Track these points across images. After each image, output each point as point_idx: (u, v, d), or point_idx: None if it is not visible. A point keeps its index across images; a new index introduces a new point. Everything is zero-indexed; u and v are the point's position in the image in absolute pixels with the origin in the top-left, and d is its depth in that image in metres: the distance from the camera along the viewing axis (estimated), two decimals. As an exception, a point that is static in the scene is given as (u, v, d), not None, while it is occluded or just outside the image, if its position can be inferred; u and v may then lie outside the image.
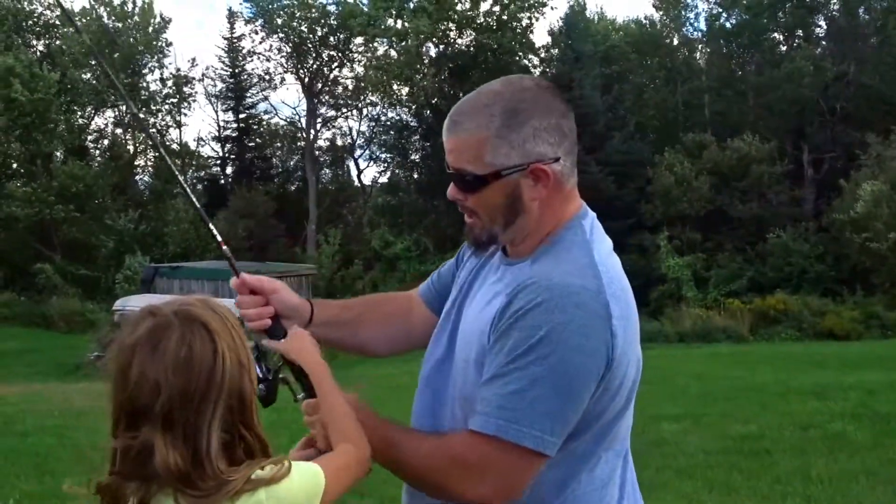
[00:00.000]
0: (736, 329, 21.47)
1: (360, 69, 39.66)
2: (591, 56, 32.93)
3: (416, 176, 37.59)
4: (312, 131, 41.33)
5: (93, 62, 34.71)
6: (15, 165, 33.63)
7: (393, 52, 36.52)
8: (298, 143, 42.52)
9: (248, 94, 41.26)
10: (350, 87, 41.09)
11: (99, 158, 38.19)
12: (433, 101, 34.84)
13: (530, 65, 36.86)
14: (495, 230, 1.72)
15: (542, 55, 38.11)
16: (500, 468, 1.58)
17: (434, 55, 36.14)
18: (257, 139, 42.18)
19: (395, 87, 36.73)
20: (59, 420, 11.12)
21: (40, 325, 26.15)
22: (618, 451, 1.79)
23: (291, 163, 43.73)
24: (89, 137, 39.20)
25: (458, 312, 1.85)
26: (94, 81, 35.80)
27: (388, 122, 39.16)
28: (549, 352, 1.53)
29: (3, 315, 27.34)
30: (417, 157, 37.90)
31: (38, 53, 36.31)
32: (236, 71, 40.49)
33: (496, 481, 1.58)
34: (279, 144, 43.39)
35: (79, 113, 37.37)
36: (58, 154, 34.35)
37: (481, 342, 1.67)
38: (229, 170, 42.56)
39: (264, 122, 42.46)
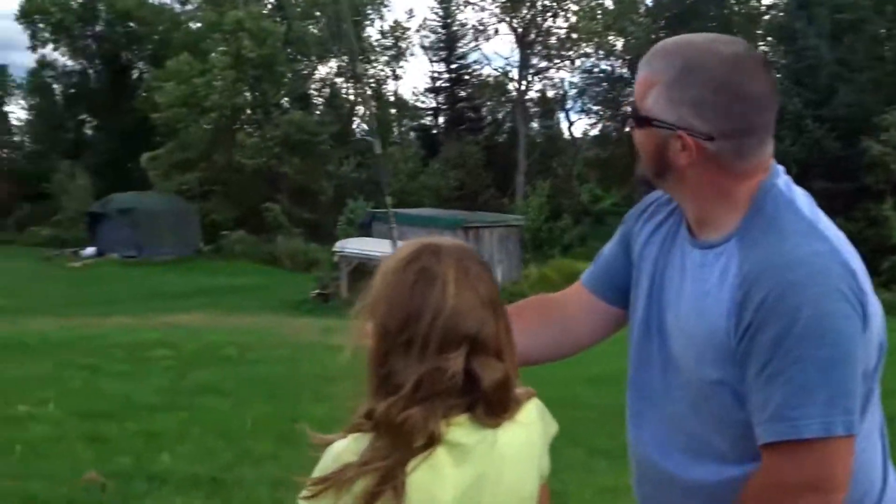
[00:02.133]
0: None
1: (573, 19, 39.09)
2: (821, 3, 30.61)
3: (627, 129, 36.75)
4: (524, 82, 41.36)
5: (317, 14, 36.30)
6: (248, 112, 35.96)
7: (608, 2, 35.67)
8: (508, 94, 42.69)
9: (460, 45, 41.84)
10: (563, 37, 40.64)
11: (321, 108, 40.10)
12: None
13: (756, 12, 34.81)
14: (648, 174, 1.69)
15: (768, 1, 35.84)
16: (824, 468, 1.45)
17: (650, 4, 34.97)
18: (468, 90, 42.74)
19: (609, 37, 35.93)
20: (287, 351, 11.98)
21: (268, 262, 28.10)
22: (877, 420, 1.64)
23: (500, 114, 44.04)
24: (312, 87, 41.22)
25: (658, 309, 1.72)
26: (319, 33, 37.53)
27: (601, 74, 38.46)
28: (816, 331, 1.43)
29: (235, 252, 29.60)
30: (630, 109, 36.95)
31: (269, 6, 38.48)
32: (448, 21, 41.09)
33: (825, 483, 1.45)
34: (489, 95, 43.75)
35: (304, 62, 39.34)
36: (283, 102, 36.43)
37: (713, 342, 1.54)
38: (441, 120, 43.51)
39: (476, 73, 42.96)
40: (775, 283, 1.46)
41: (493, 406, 1.35)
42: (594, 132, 40.71)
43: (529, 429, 1.43)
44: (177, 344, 12.40)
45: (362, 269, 19.68)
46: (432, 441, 1.30)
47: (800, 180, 1.75)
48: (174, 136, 34.13)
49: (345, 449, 1.35)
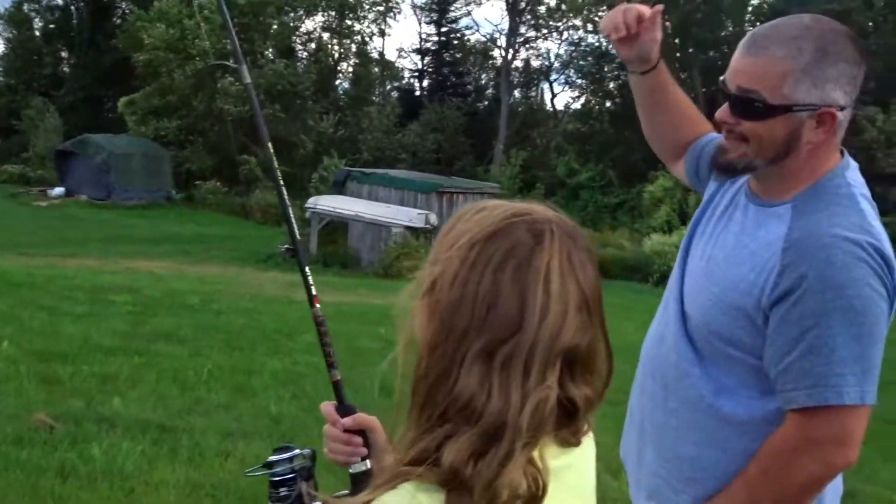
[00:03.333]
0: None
1: (564, -10, 38.81)
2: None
3: (609, 105, 36.78)
4: (511, 51, 41.13)
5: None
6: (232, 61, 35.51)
7: (599, -25, 35.42)
8: (493, 62, 42.45)
9: (452, 8, 41.47)
10: (553, 6, 40.38)
11: (304, 62, 39.69)
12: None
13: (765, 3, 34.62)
14: (757, 163, 1.69)
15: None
16: (851, 429, 1.60)
17: (643, -20, 34.75)
18: (455, 54, 42.45)
19: (598, 11, 35.75)
20: (250, 304, 11.96)
21: (239, 214, 27.95)
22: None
23: (483, 80, 43.82)
24: (297, 40, 40.75)
25: (686, 251, 1.88)
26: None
27: (588, 48, 38.31)
28: (860, 310, 1.56)
29: (207, 202, 29.39)
30: (613, 86, 36.99)
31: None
32: (442, -18, 40.71)
33: (848, 440, 1.61)
34: (474, 61, 43.48)
35: (291, 14, 38.84)
36: (268, 53, 35.99)
37: (736, 291, 1.67)
38: (426, 83, 43.23)
39: (464, 38, 42.65)
40: (821, 259, 1.57)
41: (580, 425, 1.05)
42: (576, 106, 40.69)
43: (590, 436, 1.14)
44: (139, 289, 12.33)
45: (333, 226, 19.64)
46: (536, 498, 0.96)
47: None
48: (154, 80, 33.62)
49: None
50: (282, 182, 1.57)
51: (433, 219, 19.08)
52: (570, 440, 1.04)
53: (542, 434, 0.97)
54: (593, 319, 1.01)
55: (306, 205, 20.66)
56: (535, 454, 0.97)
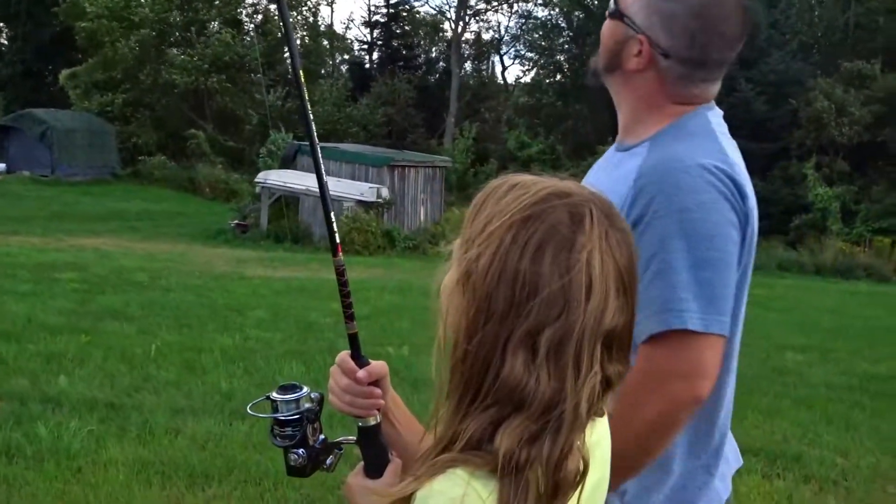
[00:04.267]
0: (879, 268, 20.47)
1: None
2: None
3: (559, 78, 36.86)
4: (461, 23, 40.91)
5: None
6: (177, 34, 34.77)
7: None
8: (443, 34, 42.21)
9: (402, -21, 41.04)
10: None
11: (252, 33, 39.04)
12: (584, 2, 33.72)
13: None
14: (598, 67, 1.74)
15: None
16: (697, 360, 1.50)
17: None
18: (405, 27, 42.09)
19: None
20: (200, 280, 11.82)
21: (188, 189, 27.52)
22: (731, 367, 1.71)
23: (434, 53, 43.57)
24: (244, 11, 40.03)
25: None
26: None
27: (538, 21, 38.30)
28: (705, 234, 1.50)
29: (154, 177, 28.89)
30: (563, 58, 37.06)
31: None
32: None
33: (695, 372, 1.50)
34: (424, 34, 43.18)
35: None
36: (213, 24, 35.30)
37: None
38: (375, 56, 42.85)
39: (414, 11, 42.29)
40: (669, 183, 1.52)
41: (608, 398, 1.04)
42: (526, 79, 40.68)
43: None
44: (86, 267, 12.12)
45: (284, 201, 19.45)
46: (584, 474, 0.96)
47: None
48: (97, 52, 32.80)
49: (467, 494, 0.91)
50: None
51: (385, 193, 19.00)
52: (598, 412, 1.03)
53: (591, 419, 0.97)
54: (629, 299, 0.99)
55: (256, 180, 20.42)
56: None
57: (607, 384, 0.99)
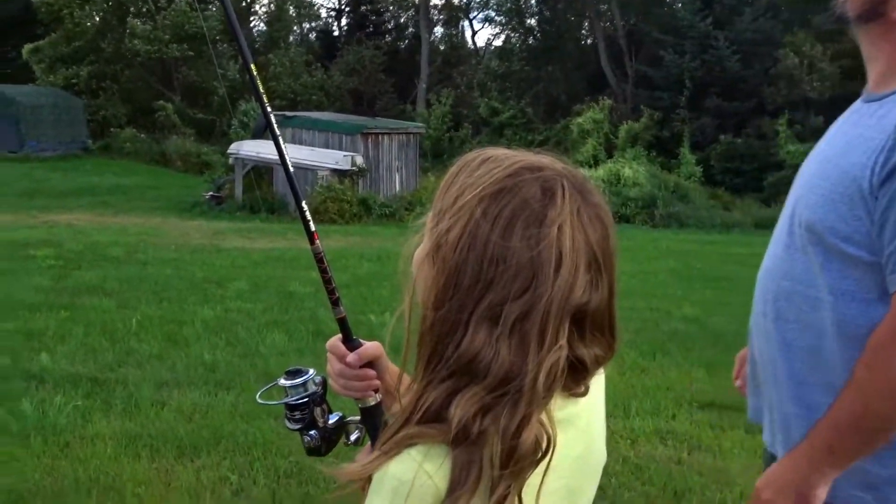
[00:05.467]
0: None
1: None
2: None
3: (530, 41, 36.65)
4: (429, -13, 40.47)
5: None
6: (138, 4, 34.16)
7: None
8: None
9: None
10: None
11: (214, 5, 38.43)
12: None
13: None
14: (847, 13, 1.64)
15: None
16: None
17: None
18: (373, -9, 41.62)
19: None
20: (177, 254, 11.73)
21: (159, 162, 27.20)
22: None
23: (402, 19, 43.15)
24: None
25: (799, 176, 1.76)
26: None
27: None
28: None
29: (125, 151, 28.50)
30: (533, 22, 36.84)
31: None
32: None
33: None
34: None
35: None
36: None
37: (846, 178, 1.54)
38: (343, 22, 42.38)
39: (381, -25, 41.76)
40: None
41: (588, 380, 1.04)
42: (497, 43, 40.45)
43: (600, 378, 1.13)
44: (60, 243, 11.98)
45: (258, 171, 19.29)
46: (546, 451, 0.95)
47: (695, 97, 1.76)
48: (59, 25, 32.16)
49: (417, 477, 0.92)
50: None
51: (359, 161, 18.88)
52: (576, 392, 1.02)
53: (553, 393, 0.96)
54: (603, 276, 0.98)
55: (229, 151, 20.20)
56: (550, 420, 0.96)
57: (580, 364, 0.99)
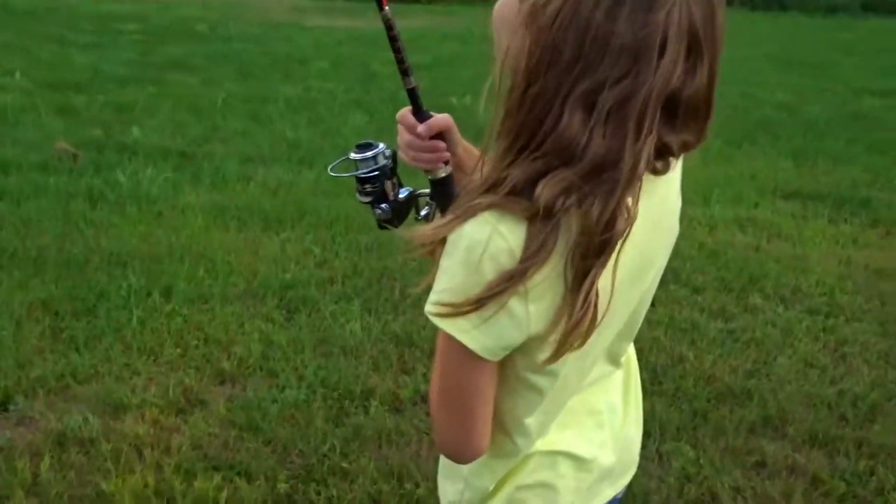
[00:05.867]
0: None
1: None
2: None
3: None
4: None
5: None
6: None
7: None
8: None
9: None
10: None
11: None
12: None
13: None
14: None
15: None
16: None
17: None
18: None
19: None
20: (260, 30, 11.66)
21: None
22: None
23: None
24: None
25: None
26: None
27: None
28: None
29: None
30: None
31: None
32: None
33: None
34: None
35: None
36: None
37: None
38: None
39: None
40: None
41: (671, 162, 0.99)
42: None
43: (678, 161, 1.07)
44: (146, 17, 12.02)
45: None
46: (623, 233, 0.93)
47: None
48: None
49: (492, 238, 0.91)
50: None
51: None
52: (659, 171, 0.97)
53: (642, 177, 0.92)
54: (704, 61, 0.91)
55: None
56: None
57: (666, 149, 0.94)
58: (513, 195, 0.90)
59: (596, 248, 0.90)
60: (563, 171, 0.89)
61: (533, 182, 0.90)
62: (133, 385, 2.94)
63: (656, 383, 3.10)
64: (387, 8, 1.34)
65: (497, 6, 1.05)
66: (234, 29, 11.49)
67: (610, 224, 0.90)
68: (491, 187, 0.92)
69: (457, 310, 0.92)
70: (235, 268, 3.94)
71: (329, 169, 1.51)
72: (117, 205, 4.66)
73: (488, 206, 0.91)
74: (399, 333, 3.35)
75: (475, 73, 8.83)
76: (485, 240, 0.90)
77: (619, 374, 1.23)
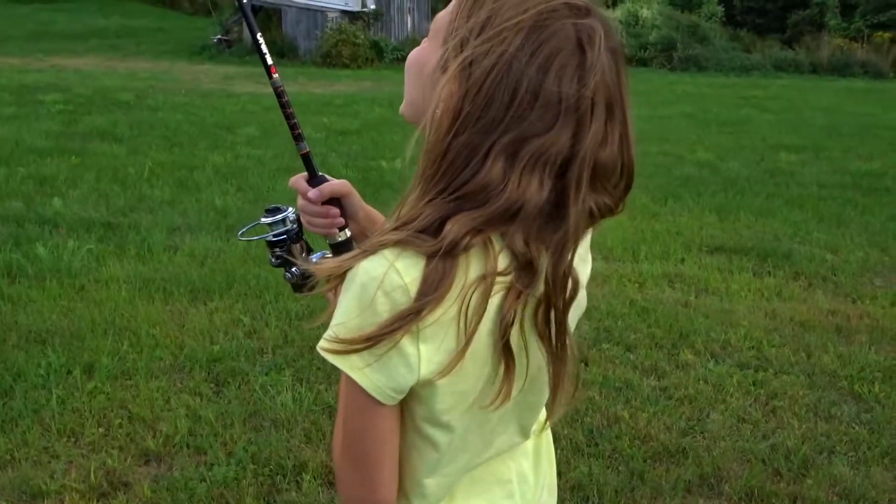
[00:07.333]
0: (876, 64, 20.04)
1: None
2: None
3: None
4: None
5: None
6: None
7: None
8: None
9: None
10: None
11: None
12: None
13: None
14: None
15: None
16: None
17: None
18: None
19: None
20: (187, 98, 11.59)
21: (166, 4, 26.53)
22: None
23: None
24: None
25: None
26: None
27: None
28: None
29: (130, -8, 27.78)
30: None
31: None
32: None
33: None
34: None
35: None
36: None
37: None
38: None
39: None
40: None
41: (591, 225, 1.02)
42: None
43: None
44: (69, 88, 11.85)
45: (265, 13, 18.78)
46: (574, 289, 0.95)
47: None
48: None
49: (387, 274, 0.90)
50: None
51: (371, 2, 18.32)
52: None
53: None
54: (615, 124, 0.93)
55: (236, -9, 19.58)
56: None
57: (591, 212, 0.95)
58: (421, 233, 0.90)
59: (553, 292, 0.92)
60: (475, 212, 0.90)
61: (443, 221, 0.90)
62: (52, 470, 2.80)
63: (592, 444, 3.09)
64: (276, 76, 1.34)
65: (413, 53, 1.06)
66: (160, 98, 11.40)
67: (565, 279, 0.92)
68: (402, 225, 0.92)
69: (349, 346, 0.91)
70: (161, 341, 3.84)
71: (238, 234, 1.50)
72: (37, 279, 4.52)
73: (392, 243, 0.91)
74: (332, 403, 3.28)
75: (404, 137, 8.87)
76: (380, 276, 0.90)
77: (528, 443, 1.20)
